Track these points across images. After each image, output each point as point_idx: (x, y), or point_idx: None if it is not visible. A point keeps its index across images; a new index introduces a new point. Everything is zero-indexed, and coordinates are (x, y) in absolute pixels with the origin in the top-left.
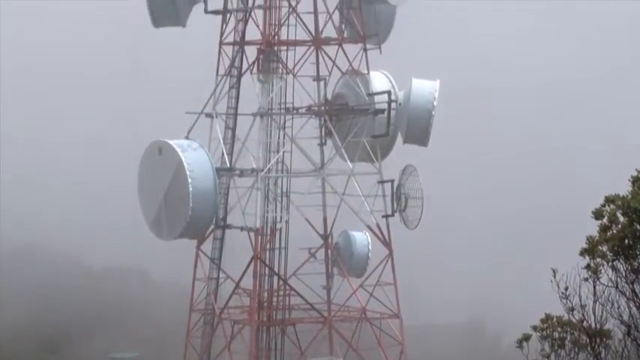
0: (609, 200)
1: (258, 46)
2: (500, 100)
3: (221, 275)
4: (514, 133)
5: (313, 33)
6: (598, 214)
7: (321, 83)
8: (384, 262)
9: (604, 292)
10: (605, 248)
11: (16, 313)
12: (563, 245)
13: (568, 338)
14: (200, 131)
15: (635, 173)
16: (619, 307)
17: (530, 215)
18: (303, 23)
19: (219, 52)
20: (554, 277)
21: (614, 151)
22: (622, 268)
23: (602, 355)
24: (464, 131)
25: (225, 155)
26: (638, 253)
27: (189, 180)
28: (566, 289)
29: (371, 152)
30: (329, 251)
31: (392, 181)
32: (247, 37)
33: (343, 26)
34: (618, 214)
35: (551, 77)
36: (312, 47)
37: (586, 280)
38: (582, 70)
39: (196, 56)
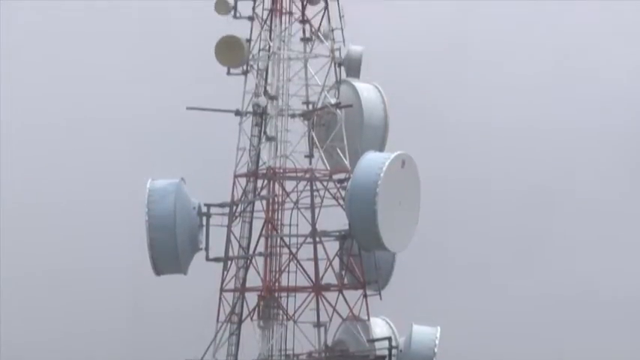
0: None
1: (259, 293)
2: None
3: None
4: None
5: (313, 279)
6: None
7: (322, 329)
8: None
9: None
10: None
11: None
12: None
13: None
14: None
15: None
16: None
17: None
18: (304, 270)
19: (220, 299)
20: None
21: None
22: None
23: None
24: None
25: None
26: None
27: None
28: None
29: None
30: None
31: None
32: (248, 284)
33: (343, 273)
34: None
35: None
36: (313, 293)
37: None
38: None
39: (197, 303)
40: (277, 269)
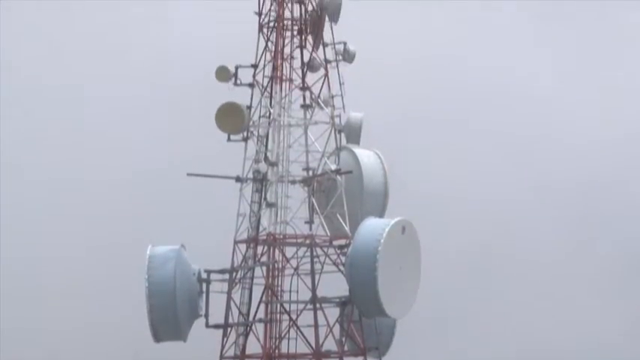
0: None
1: None
2: None
3: None
4: None
5: (314, 346)
6: None
7: None
8: None
9: None
10: None
11: None
12: None
13: None
14: None
15: None
16: None
17: None
18: (304, 336)
19: None
20: None
21: None
22: None
23: None
24: None
25: None
26: None
27: None
28: None
29: None
30: None
31: None
32: (248, 350)
33: (344, 339)
34: None
35: None
36: None
37: None
38: None
39: None
40: (277, 336)
